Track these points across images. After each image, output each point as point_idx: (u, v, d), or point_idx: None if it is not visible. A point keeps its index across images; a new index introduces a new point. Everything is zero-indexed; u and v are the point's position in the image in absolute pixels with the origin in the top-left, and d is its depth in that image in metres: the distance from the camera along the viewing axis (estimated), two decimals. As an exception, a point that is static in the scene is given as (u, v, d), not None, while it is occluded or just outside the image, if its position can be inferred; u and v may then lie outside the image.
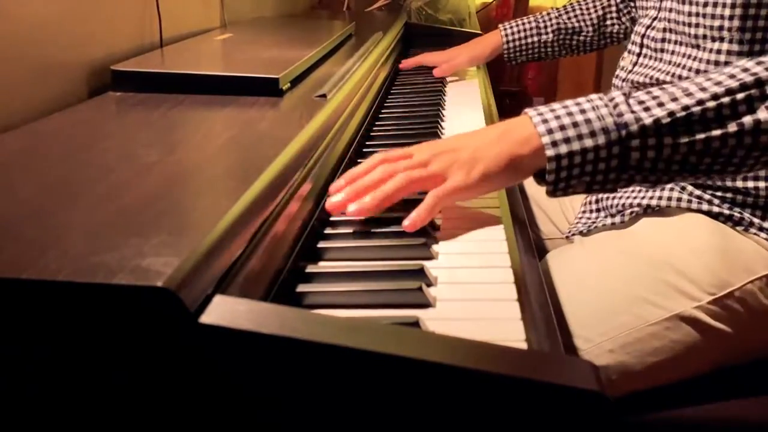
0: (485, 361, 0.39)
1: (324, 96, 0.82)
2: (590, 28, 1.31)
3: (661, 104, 0.62)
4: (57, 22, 0.85)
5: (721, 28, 0.80)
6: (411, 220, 0.63)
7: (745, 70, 0.63)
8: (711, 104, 0.61)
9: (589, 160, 0.61)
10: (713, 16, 0.81)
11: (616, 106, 0.62)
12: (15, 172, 0.56)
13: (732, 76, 0.63)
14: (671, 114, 0.61)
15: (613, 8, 1.31)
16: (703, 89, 0.62)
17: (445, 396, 0.39)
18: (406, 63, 1.44)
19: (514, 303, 0.54)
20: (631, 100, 0.62)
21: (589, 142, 0.61)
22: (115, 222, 0.46)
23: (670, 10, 0.88)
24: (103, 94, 0.83)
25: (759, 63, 0.64)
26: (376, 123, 1.06)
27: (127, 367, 0.40)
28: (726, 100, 0.61)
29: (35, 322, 0.39)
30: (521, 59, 1.38)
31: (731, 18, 0.80)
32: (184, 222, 0.47)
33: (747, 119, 0.61)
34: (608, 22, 1.31)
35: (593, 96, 0.64)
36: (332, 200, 0.66)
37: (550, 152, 0.61)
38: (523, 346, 0.49)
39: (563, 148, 0.61)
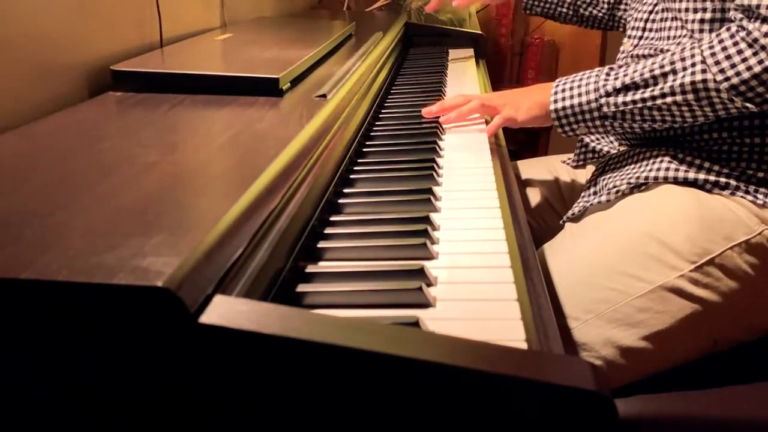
0: (485, 361, 0.39)
1: (324, 96, 0.82)
2: (605, 4, 1.35)
3: (626, 75, 0.90)
4: (57, 22, 0.85)
5: None
6: (488, 131, 0.99)
7: (683, 50, 0.86)
8: (647, 74, 0.87)
9: (576, 111, 0.93)
10: None
11: (605, 74, 0.92)
12: (15, 172, 0.56)
13: (673, 54, 0.86)
14: (623, 81, 0.89)
15: None
16: (653, 63, 0.87)
17: (445, 396, 0.39)
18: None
19: (514, 303, 0.54)
20: (612, 72, 0.91)
21: (576, 100, 0.93)
22: (115, 222, 0.46)
23: None
24: (103, 94, 0.83)
25: (693, 44, 0.85)
26: (376, 123, 1.06)
27: (126, 368, 0.40)
28: (657, 72, 0.87)
29: (35, 322, 0.39)
30: (536, 10, 1.42)
31: None
32: (184, 222, 0.47)
33: (669, 83, 0.85)
34: (622, 7, 1.34)
35: (599, 68, 0.93)
36: (429, 110, 1.02)
37: (551, 106, 0.95)
38: (523, 346, 0.49)
39: (560, 104, 0.94)
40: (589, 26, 1.40)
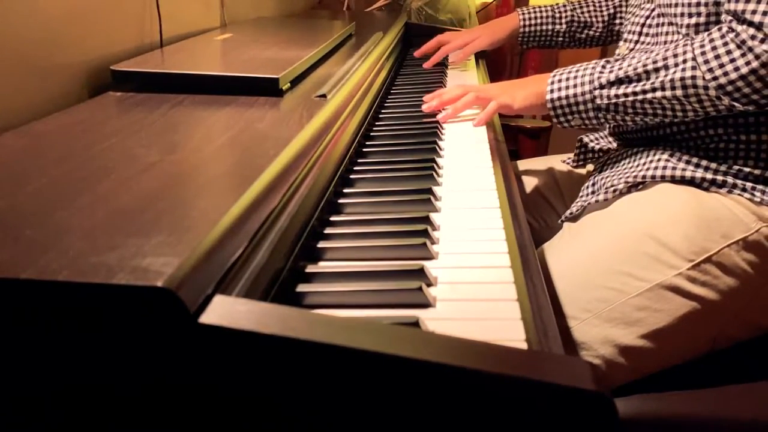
0: (485, 361, 0.39)
1: (324, 96, 0.82)
2: (600, 24, 1.36)
3: (620, 68, 0.91)
4: (57, 22, 0.85)
5: (698, 4, 0.91)
6: (480, 119, 1.02)
7: (676, 47, 0.87)
8: (640, 69, 0.89)
9: (572, 102, 0.94)
10: None
11: (601, 67, 0.93)
12: (15, 172, 0.56)
13: (666, 50, 0.88)
14: (617, 75, 0.91)
15: (624, 9, 1.36)
16: (647, 58, 0.89)
17: (445, 396, 0.39)
18: (431, 61, 1.46)
19: (514, 303, 0.54)
20: (607, 65, 0.93)
21: (571, 91, 0.94)
22: (115, 222, 0.46)
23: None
24: (103, 94, 0.83)
25: (686, 42, 0.87)
26: (376, 123, 1.06)
27: (126, 368, 0.40)
28: (650, 66, 0.88)
29: (35, 322, 0.39)
30: (532, 45, 1.42)
31: None
32: (184, 222, 0.47)
33: (660, 78, 0.87)
34: (617, 21, 1.36)
35: (596, 61, 0.95)
36: (430, 105, 1.06)
37: (548, 96, 0.96)
38: (523, 346, 0.49)
39: (555, 94, 0.95)
40: (587, 47, 1.42)
